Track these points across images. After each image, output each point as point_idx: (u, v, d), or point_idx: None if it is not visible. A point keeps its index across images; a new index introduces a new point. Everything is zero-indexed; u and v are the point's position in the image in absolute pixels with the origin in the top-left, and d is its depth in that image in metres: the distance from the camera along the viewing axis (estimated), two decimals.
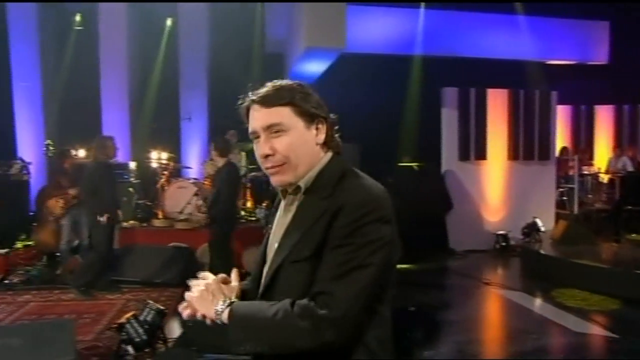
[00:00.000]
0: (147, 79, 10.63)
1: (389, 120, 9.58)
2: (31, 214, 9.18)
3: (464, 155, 9.91)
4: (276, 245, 1.63)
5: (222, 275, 1.72)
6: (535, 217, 9.16)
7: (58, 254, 8.42)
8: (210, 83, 10.51)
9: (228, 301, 1.57)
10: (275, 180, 1.63)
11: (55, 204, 7.64)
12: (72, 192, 7.78)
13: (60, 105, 10.49)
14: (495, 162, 10.02)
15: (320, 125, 1.63)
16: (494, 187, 10.04)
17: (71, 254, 7.93)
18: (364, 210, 1.49)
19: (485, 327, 6.19)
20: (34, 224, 8.69)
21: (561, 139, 11.87)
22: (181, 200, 8.34)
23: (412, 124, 10.06)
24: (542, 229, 9.00)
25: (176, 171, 9.36)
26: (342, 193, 1.54)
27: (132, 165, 9.35)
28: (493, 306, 6.99)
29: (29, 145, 10.17)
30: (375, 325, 1.56)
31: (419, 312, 5.19)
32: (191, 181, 8.82)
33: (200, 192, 8.20)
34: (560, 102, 10.84)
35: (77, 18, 10.46)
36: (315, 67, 8.88)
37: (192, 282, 1.68)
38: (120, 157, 10.05)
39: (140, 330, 4.54)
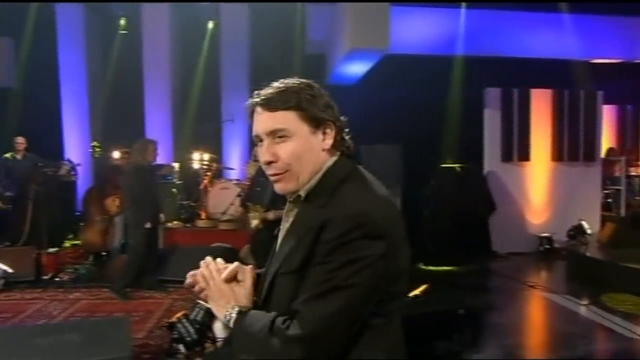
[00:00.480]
0: (189, 81, 10.76)
1: (431, 122, 9.48)
2: (77, 214, 9.41)
3: (506, 157, 9.77)
4: (277, 252, 1.60)
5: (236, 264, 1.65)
6: (581, 220, 8.98)
7: (104, 253, 8.65)
8: (252, 85, 10.54)
9: (237, 308, 1.56)
10: (278, 188, 1.56)
11: (112, 203, 7.83)
12: (114, 198, 7.97)
13: (105, 107, 10.72)
14: (538, 163, 9.86)
15: (327, 130, 1.55)
16: (538, 189, 9.87)
17: (120, 253, 8.13)
18: (350, 225, 1.39)
19: (533, 331, 6.10)
20: (81, 224, 8.92)
21: (607, 139, 11.59)
22: (224, 201, 8.43)
23: (454, 125, 9.94)
24: (589, 231, 8.82)
25: (218, 172, 9.46)
26: (334, 203, 1.46)
27: (175, 166, 9.49)
28: (540, 309, 6.87)
29: (75, 147, 10.42)
30: (376, 339, 1.48)
31: (467, 315, 5.14)
32: (233, 182, 8.89)
33: (243, 192, 8.26)
34: (606, 102, 10.62)
35: (122, 22, 10.65)
36: (358, 68, 8.87)
37: (211, 266, 1.66)
38: (163, 158, 10.26)
39: (191, 330, 4.56)
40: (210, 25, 10.71)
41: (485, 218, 9.51)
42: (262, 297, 1.58)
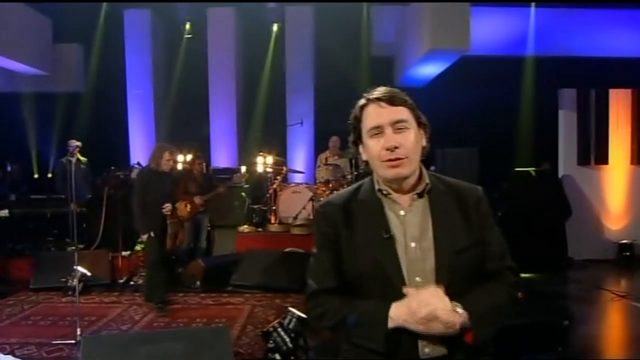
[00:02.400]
0: (254, 85, 10.74)
1: (506, 124, 9.22)
2: None
3: (583, 160, 9.38)
4: (413, 244, 1.74)
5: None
6: None
7: (173, 257, 8.62)
8: (317, 87, 10.48)
9: (461, 310, 1.65)
10: (393, 173, 1.74)
11: (184, 208, 7.80)
12: (197, 200, 7.94)
13: (170, 111, 10.78)
14: (617, 167, 9.42)
15: (424, 132, 1.81)
16: (616, 193, 9.44)
17: (189, 257, 8.09)
18: (486, 197, 1.87)
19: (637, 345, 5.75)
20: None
21: None
22: (295, 205, 8.32)
23: (529, 128, 9.62)
24: None
25: (285, 176, 9.36)
26: (457, 187, 1.85)
27: (243, 170, 9.45)
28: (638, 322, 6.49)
29: (141, 150, 10.49)
30: None
31: (571, 327, 4.88)
32: (304, 185, 8.78)
33: (316, 197, 8.14)
34: None
35: (187, 26, 10.71)
36: (431, 70, 8.65)
37: (425, 308, 1.64)
38: (229, 162, 10.27)
39: (287, 339, 4.48)
40: (275, 28, 10.66)
41: (561, 223, 9.14)
42: (443, 277, 1.71)
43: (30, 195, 9.01)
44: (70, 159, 5.96)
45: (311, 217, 8.17)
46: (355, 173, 8.58)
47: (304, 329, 4.74)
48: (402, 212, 1.78)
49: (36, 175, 11.03)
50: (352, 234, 1.79)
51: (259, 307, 6.34)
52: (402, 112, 1.74)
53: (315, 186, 8.69)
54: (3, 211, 8.00)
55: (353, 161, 8.82)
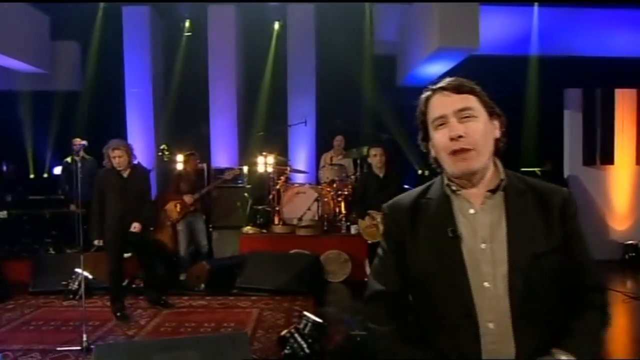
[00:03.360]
0: (255, 83, 10.58)
1: (510, 124, 9.09)
2: None
3: (588, 160, 9.31)
4: (483, 245, 1.59)
5: None
6: None
7: (175, 259, 8.45)
8: (319, 86, 10.33)
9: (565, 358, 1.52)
10: (461, 167, 1.60)
11: (173, 209, 7.65)
12: (187, 198, 7.77)
13: (169, 110, 10.60)
14: (623, 167, 9.35)
15: (497, 122, 1.67)
16: (622, 194, 9.37)
17: (191, 260, 7.93)
18: (574, 201, 1.69)
19: None
20: (151, 229, 8.74)
21: None
22: (300, 205, 8.18)
23: (533, 127, 9.53)
24: None
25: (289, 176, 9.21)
26: (540, 187, 1.68)
27: (245, 169, 9.29)
28: None
29: (140, 150, 10.23)
30: None
31: None
32: (308, 186, 8.62)
33: (321, 198, 8.01)
34: None
35: (187, 24, 10.53)
36: (436, 69, 8.53)
37: None
38: (229, 162, 10.09)
39: (304, 344, 4.36)
40: (277, 26, 10.50)
41: None
42: (515, 289, 1.56)
43: (28, 195, 8.80)
44: (76, 158, 5.78)
45: (316, 218, 8.04)
46: (359, 173, 8.47)
47: (320, 333, 4.62)
48: (471, 211, 1.64)
49: (32, 176, 10.80)
50: (417, 233, 1.67)
51: (268, 311, 6.19)
52: (469, 100, 1.62)
53: (319, 186, 8.55)
54: (1, 212, 7.79)
55: (358, 161, 8.71)
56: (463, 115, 1.60)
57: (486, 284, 1.57)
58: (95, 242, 6.15)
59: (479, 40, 7.05)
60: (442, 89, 1.66)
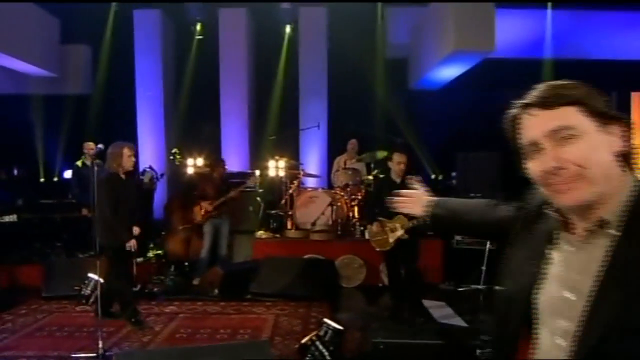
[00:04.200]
0: (267, 87, 10.51)
1: None
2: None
3: None
4: (566, 294, 1.25)
5: None
6: None
7: (186, 264, 8.37)
8: (331, 90, 10.26)
9: None
10: (567, 200, 1.23)
11: (199, 211, 7.57)
12: (204, 204, 7.68)
13: (180, 114, 10.55)
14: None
15: (616, 130, 1.26)
16: None
17: (209, 264, 7.84)
18: None
19: None
20: (162, 233, 8.69)
21: None
22: (313, 210, 8.09)
23: None
24: None
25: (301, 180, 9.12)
26: None
27: (257, 174, 9.21)
28: None
29: (151, 154, 10.25)
30: None
31: None
32: (321, 190, 8.54)
33: (335, 202, 7.91)
34: None
35: (198, 27, 10.47)
36: (450, 72, 8.44)
37: None
38: (241, 166, 10.02)
39: (326, 352, 4.25)
40: (288, 29, 10.43)
41: None
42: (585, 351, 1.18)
43: (38, 199, 8.75)
44: (91, 162, 5.70)
45: (330, 222, 7.95)
46: (371, 177, 8.38)
47: (342, 341, 4.51)
48: (567, 247, 1.30)
49: (42, 179, 10.76)
50: (510, 249, 1.45)
51: (284, 317, 6.10)
52: (566, 115, 1.24)
53: (332, 191, 8.46)
54: (11, 216, 7.74)
55: (371, 165, 8.63)
56: (560, 136, 1.23)
57: (558, 341, 1.26)
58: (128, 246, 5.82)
59: (494, 43, 6.96)
60: (529, 105, 1.29)
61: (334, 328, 4.53)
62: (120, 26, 10.19)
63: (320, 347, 4.28)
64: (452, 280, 7.51)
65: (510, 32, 9.37)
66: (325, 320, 4.68)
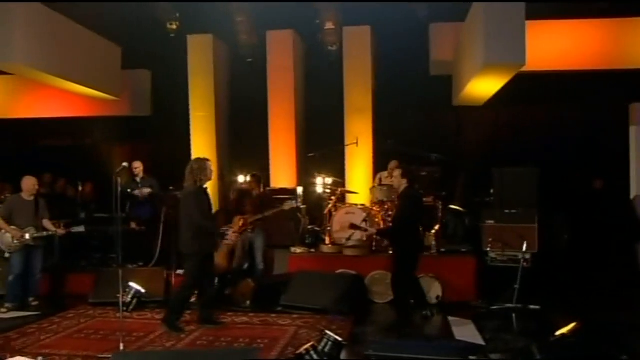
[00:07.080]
0: (313, 105, 10.82)
1: (571, 142, 8.80)
2: None
3: None
4: None
5: None
6: None
7: (229, 275, 8.70)
8: (375, 107, 10.41)
9: None
10: None
11: (237, 222, 7.88)
12: (240, 218, 7.99)
13: (232, 133, 11.02)
14: None
15: None
16: None
17: (242, 276, 8.13)
18: None
19: None
20: None
21: None
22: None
23: (596, 145, 9.13)
24: None
25: (341, 196, 9.28)
26: None
27: (300, 190, 9.48)
28: None
29: None
30: None
31: None
32: (358, 206, 8.67)
33: (370, 218, 8.02)
34: None
35: (247, 50, 10.94)
36: (489, 87, 8.38)
37: None
38: (288, 182, 10.33)
39: None
40: (334, 49, 10.68)
41: (633, 245, 8.59)
42: None
43: (94, 213, 9.42)
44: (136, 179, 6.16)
45: (364, 238, 8.04)
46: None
47: (339, 353, 4.63)
48: None
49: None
50: None
51: (304, 329, 6.27)
52: None
53: (369, 207, 8.58)
54: (80, 227, 8.33)
55: None
56: None
57: None
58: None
59: (525, 56, 6.88)
60: None
61: (334, 340, 4.66)
62: (176, 50, 10.76)
63: (315, 357, 4.42)
64: (485, 299, 7.42)
65: (551, 44, 9.14)
66: (327, 331, 4.82)
